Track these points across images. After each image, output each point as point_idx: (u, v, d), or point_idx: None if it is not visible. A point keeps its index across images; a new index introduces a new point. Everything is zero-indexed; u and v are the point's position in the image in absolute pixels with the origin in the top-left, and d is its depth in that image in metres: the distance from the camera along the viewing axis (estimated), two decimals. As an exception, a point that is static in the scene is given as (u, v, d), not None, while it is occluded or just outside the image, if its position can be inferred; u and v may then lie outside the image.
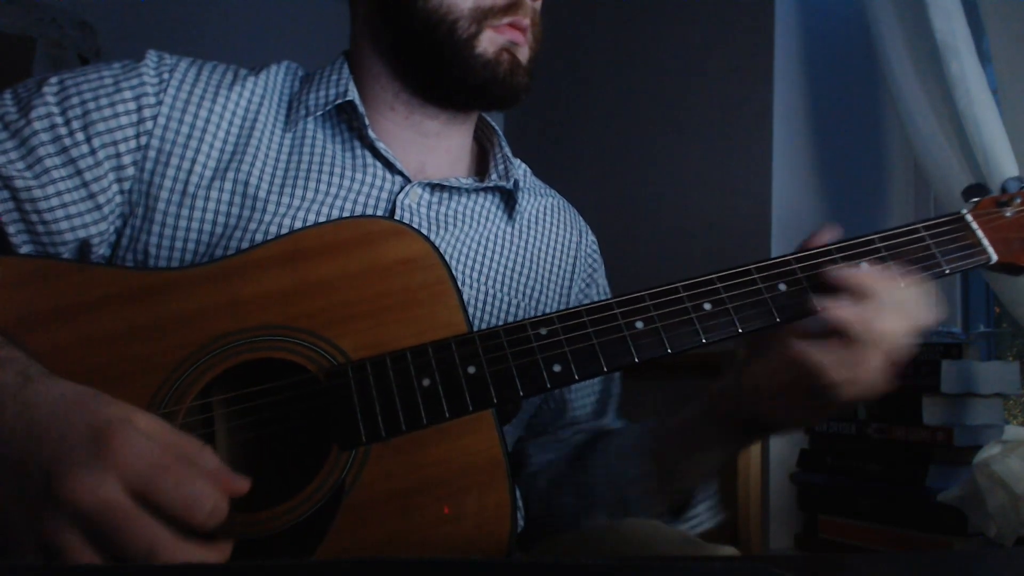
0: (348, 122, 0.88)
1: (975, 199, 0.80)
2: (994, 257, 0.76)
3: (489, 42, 0.85)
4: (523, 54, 0.87)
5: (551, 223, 1.01)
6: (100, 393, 0.57)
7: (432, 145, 0.91)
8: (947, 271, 0.76)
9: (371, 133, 0.85)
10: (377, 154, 0.87)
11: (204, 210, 0.80)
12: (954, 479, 1.27)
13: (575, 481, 0.93)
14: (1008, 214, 0.79)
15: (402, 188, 0.86)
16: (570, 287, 1.00)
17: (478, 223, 0.91)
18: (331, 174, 0.84)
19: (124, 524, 0.52)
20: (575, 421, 1.00)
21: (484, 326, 0.88)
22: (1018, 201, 0.79)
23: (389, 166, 0.87)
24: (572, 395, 1.00)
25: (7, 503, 0.54)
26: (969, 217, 0.78)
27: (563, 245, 1.01)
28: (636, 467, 0.87)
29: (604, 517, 0.89)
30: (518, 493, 0.92)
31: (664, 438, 0.87)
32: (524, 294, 0.94)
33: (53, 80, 0.80)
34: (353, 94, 0.86)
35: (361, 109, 0.86)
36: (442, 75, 0.86)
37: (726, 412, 0.81)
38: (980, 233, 0.77)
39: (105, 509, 0.52)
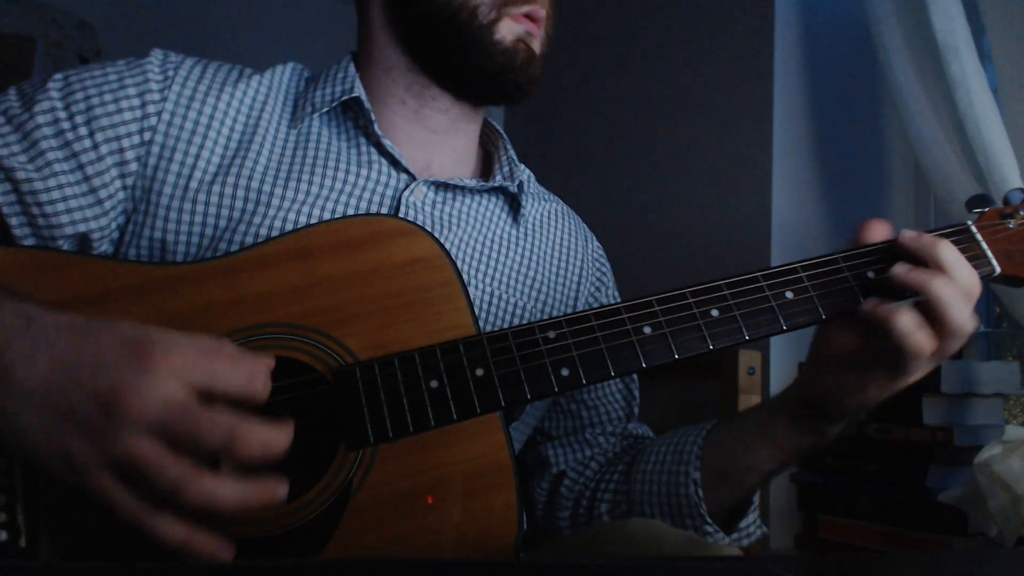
0: (354, 119, 0.88)
1: (979, 210, 0.79)
2: (998, 269, 0.76)
3: (508, 30, 0.86)
4: (537, 46, 0.88)
5: (556, 227, 1.01)
6: (102, 317, 0.57)
7: (439, 142, 0.92)
8: None
9: (377, 129, 0.86)
10: (383, 151, 0.87)
11: (207, 204, 0.80)
12: (954, 479, 1.27)
13: (615, 488, 0.92)
14: (1012, 226, 0.78)
15: (407, 186, 0.86)
16: (578, 290, 1.00)
17: (483, 224, 0.92)
18: (336, 170, 0.84)
19: (199, 417, 0.53)
20: (603, 422, 0.99)
21: (490, 327, 0.88)
22: (1022, 213, 0.78)
23: (395, 163, 0.87)
24: (601, 399, 0.99)
25: (58, 444, 0.53)
26: (974, 228, 0.77)
27: (569, 249, 1.01)
28: (690, 473, 0.85)
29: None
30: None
31: (721, 440, 0.85)
32: (531, 296, 0.94)
33: (58, 77, 0.80)
34: (359, 91, 0.86)
35: (367, 105, 0.86)
36: (461, 62, 0.87)
37: (788, 397, 0.81)
38: (984, 245, 0.76)
39: (175, 408, 0.53)
